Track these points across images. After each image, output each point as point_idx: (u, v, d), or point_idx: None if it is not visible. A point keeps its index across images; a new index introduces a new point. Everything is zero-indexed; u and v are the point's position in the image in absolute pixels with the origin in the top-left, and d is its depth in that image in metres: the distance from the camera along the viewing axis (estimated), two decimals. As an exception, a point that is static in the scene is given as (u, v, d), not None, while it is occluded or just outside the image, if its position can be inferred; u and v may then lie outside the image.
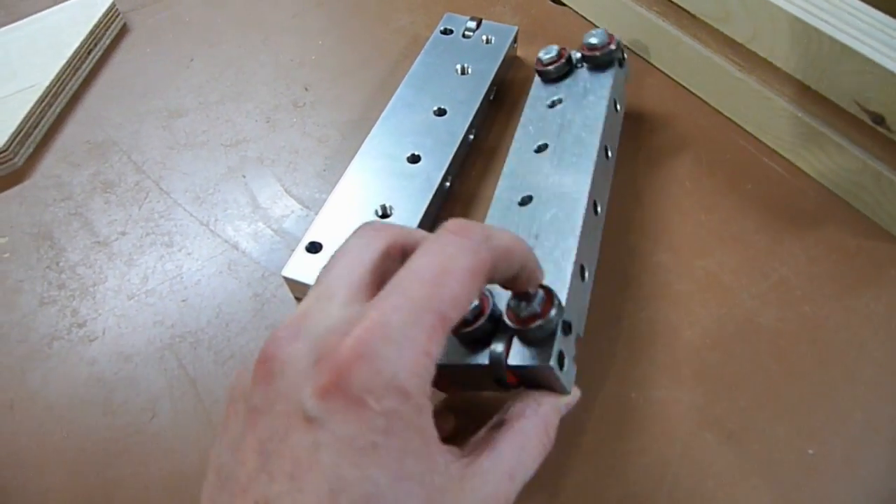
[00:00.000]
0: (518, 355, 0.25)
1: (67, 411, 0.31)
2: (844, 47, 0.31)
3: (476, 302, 0.25)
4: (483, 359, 0.25)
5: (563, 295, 0.27)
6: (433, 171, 0.35)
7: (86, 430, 0.30)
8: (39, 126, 0.42)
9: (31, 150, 0.42)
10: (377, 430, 0.17)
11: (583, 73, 0.38)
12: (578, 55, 0.38)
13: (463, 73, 0.40)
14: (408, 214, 0.34)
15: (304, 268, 0.32)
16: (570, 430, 0.29)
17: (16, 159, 0.41)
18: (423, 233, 0.23)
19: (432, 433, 0.19)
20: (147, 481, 0.29)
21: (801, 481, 0.27)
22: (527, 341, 0.25)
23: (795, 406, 0.29)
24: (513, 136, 0.39)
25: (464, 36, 0.42)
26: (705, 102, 0.41)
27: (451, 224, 0.21)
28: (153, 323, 0.34)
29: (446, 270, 0.19)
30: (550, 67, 0.38)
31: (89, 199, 0.39)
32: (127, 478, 0.29)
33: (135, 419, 0.31)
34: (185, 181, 0.39)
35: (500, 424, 0.23)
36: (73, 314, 0.34)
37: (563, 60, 0.38)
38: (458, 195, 0.38)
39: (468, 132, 0.38)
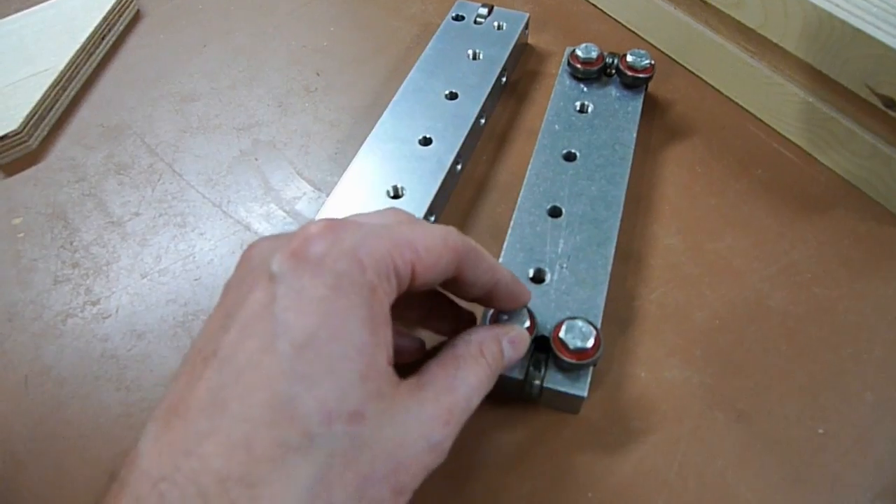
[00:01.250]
0: (553, 379, 0.27)
1: (81, 387, 0.31)
2: (856, 31, 0.31)
3: (528, 322, 0.27)
4: (519, 374, 0.27)
5: (598, 324, 0.29)
6: (444, 154, 0.36)
7: (99, 405, 0.31)
8: (54, 109, 0.43)
9: (45, 132, 0.42)
10: (326, 286, 0.19)
11: (614, 84, 0.39)
12: (612, 61, 0.38)
13: (474, 58, 0.41)
14: (419, 196, 0.34)
15: None
16: (583, 409, 0.29)
17: (30, 141, 0.41)
18: None
19: (382, 321, 0.20)
20: (160, 454, 0.29)
21: (811, 460, 0.27)
22: (560, 366, 0.27)
23: (805, 386, 0.29)
24: (524, 122, 0.39)
25: (475, 22, 0.43)
26: (716, 89, 0.41)
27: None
28: (166, 301, 0.34)
29: (427, 231, 0.22)
30: (585, 68, 0.38)
31: (103, 181, 0.39)
32: (140, 451, 0.29)
33: (147, 394, 0.31)
34: (197, 164, 0.40)
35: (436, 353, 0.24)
36: (87, 292, 0.34)
37: (599, 65, 0.38)
38: (469, 178, 0.38)
39: (479, 116, 0.38)
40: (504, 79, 0.41)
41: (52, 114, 0.43)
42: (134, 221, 0.37)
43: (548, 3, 0.48)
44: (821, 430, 0.28)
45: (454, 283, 0.23)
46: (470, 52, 0.41)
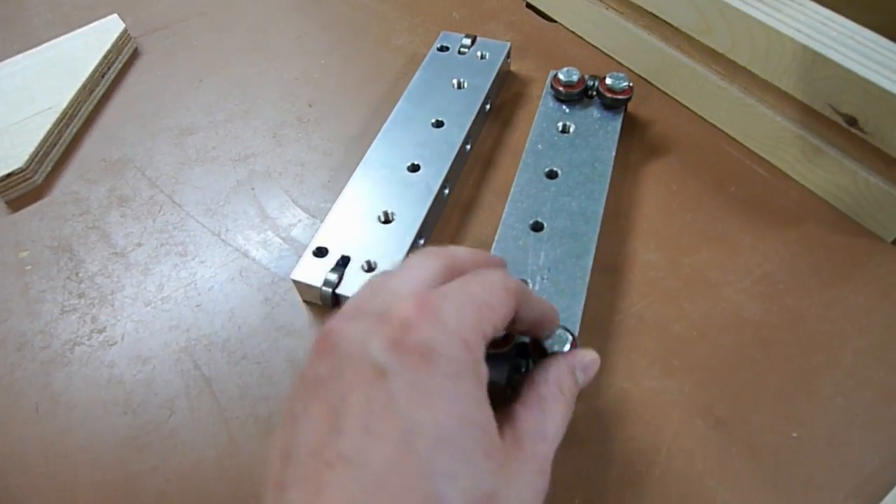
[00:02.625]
0: None
1: (90, 412, 0.33)
2: (816, 54, 0.33)
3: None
4: (500, 378, 0.28)
5: (576, 331, 0.30)
6: (432, 179, 0.37)
7: (107, 429, 0.32)
8: (57, 146, 0.45)
9: (49, 168, 0.44)
10: (446, 376, 0.19)
11: (595, 105, 0.41)
12: (592, 83, 0.40)
13: (459, 87, 0.42)
14: (409, 220, 0.36)
15: (311, 271, 0.34)
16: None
17: (35, 177, 0.43)
18: (476, 258, 0.25)
19: (486, 391, 0.20)
20: (167, 474, 0.30)
21: (786, 463, 0.29)
22: None
23: (780, 393, 0.31)
24: (508, 145, 0.41)
25: (459, 52, 0.45)
26: (690, 110, 0.43)
27: (491, 260, 0.25)
28: (169, 327, 0.35)
29: (492, 283, 0.22)
30: (567, 90, 0.40)
31: (106, 213, 0.41)
32: (147, 472, 0.30)
33: (154, 417, 0.32)
34: (196, 194, 0.41)
35: (518, 393, 0.24)
36: (93, 321, 0.36)
37: (580, 87, 0.40)
38: (456, 202, 0.40)
39: (465, 142, 0.40)
40: (488, 105, 0.43)
41: (55, 150, 0.44)
42: (136, 252, 0.39)
43: (528, 30, 0.50)
44: (795, 434, 0.30)
45: None
46: (455, 81, 0.43)
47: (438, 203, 0.38)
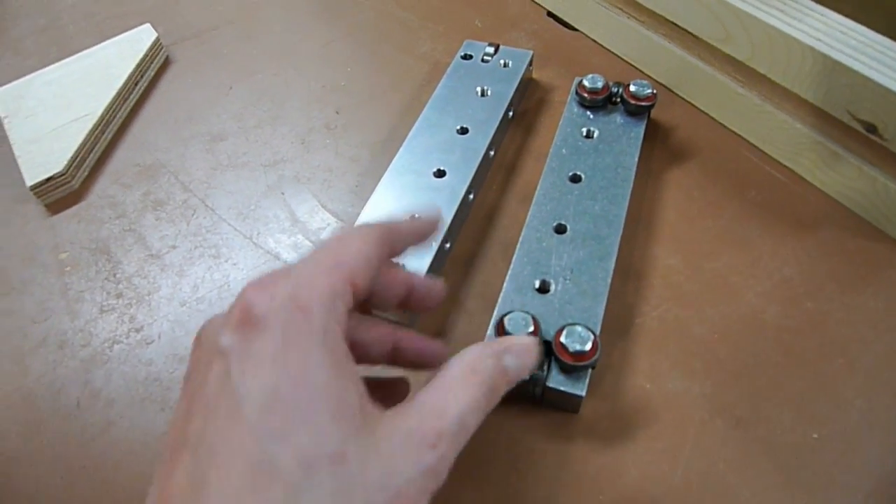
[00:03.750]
0: (554, 379, 0.30)
1: (128, 408, 0.34)
2: (837, 63, 0.34)
3: (531, 328, 0.30)
4: None
5: (597, 331, 0.31)
6: (458, 185, 0.38)
7: (146, 425, 0.33)
8: (93, 151, 0.46)
9: (86, 173, 0.45)
10: (276, 341, 0.19)
11: (619, 111, 0.42)
12: (617, 90, 0.41)
13: (483, 94, 0.44)
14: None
15: None
16: (589, 418, 0.31)
17: (73, 182, 0.44)
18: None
19: (342, 356, 0.20)
20: (204, 468, 0.31)
21: (806, 463, 0.29)
22: (562, 369, 0.30)
23: (800, 395, 0.31)
24: (531, 151, 0.42)
25: (483, 61, 0.46)
26: (710, 116, 0.44)
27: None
28: (204, 327, 0.37)
29: (340, 237, 0.22)
30: (591, 97, 0.41)
31: (141, 217, 0.42)
32: (184, 466, 0.32)
33: (190, 414, 0.33)
34: (228, 199, 0.43)
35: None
36: (131, 320, 0.37)
37: (604, 94, 0.41)
38: (480, 207, 0.41)
39: (489, 149, 0.41)
40: (511, 112, 0.44)
41: (92, 155, 0.46)
42: (171, 254, 0.40)
43: (550, 39, 0.51)
44: (815, 436, 0.30)
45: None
46: (478, 88, 0.44)
47: (464, 208, 0.39)
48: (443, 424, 0.20)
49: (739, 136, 0.43)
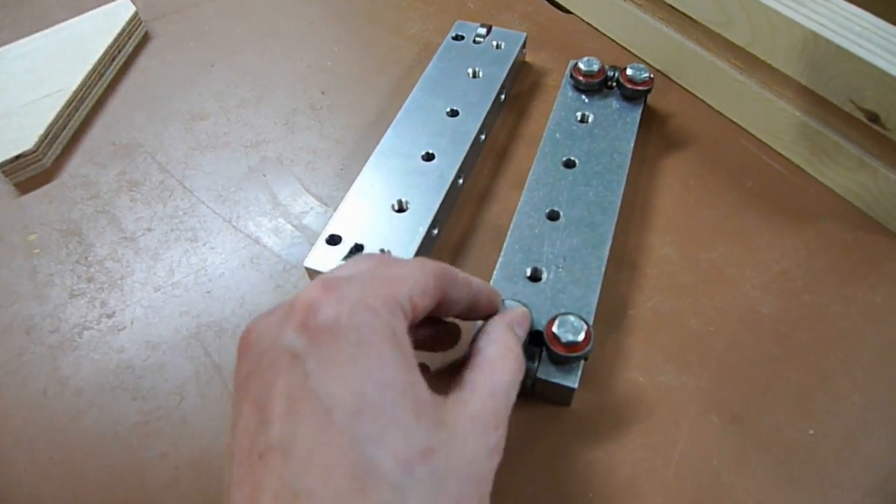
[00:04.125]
0: (545, 371, 0.29)
1: (98, 397, 0.32)
2: (840, 49, 0.33)
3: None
4: None
5: (590, 319, 0.30)
6: (447, 169, 0.37)
7: (116, 415, 0.32)
8: (66, 129, 0.44)
9: (58, 151, 0.43)
10: (352, 343, 0.19)
11: (614, 96, 0.40)
12: (613, 74, 0.40)
13: (474, 76, 0.42)
14: (423, 209, 0.35)
15: (325, 259, 0.34)
16: (582, 411, 0.30)
17: (44, 160, 0.42)
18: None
19: (409, 354, 0.20)
20: (176, 461, 0.30)
21: (802, 460, 0.28)
22: (554, 360, 0.29)
23: (796, 389, 0.30)
24: (523, 136, 0.40)
25: (474, 42, 0.44)
26: (708, 104, 0.43)
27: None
28: (179, 313, 0.35)
29: (403, 261, 0.23)
30: (587, 80, 0.40)
31: (116, 198, 0.41)
32: (156, 458, 0.30)
33: (163, 403, 0.32)
34: (207, 180, 0.41)
35: (465, 363, 0.24)
36: (102, 305, 0.36)
37: (600, 77, 0.40)
38: (470, 192, 0.39)
39: (480, 132, 0.39)
40: (503, 96, 0.43)
41: (65, 133, 0.44)
42: (146, 237, 0.38)
43: (544, 22, 0.49)
44: (811, 431, 0.29)
45: (438, 305, 0.24)
46: (470, 70, 0.42)
47: (453, 192, 0.37)
48: (497, 404, 0.22)
49: (738, 124, 0.42)
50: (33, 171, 0.42)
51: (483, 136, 0.41)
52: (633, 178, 0.39)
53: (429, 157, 0.38)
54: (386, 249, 0.34)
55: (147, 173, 0.42)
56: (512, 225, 0.34)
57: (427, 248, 0.35)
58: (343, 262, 0.25)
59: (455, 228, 0.37)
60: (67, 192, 0.41)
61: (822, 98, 0.36)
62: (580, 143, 0.38)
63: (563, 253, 0.33)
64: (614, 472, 0.28)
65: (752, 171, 0.39)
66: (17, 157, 0.41)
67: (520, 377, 0.24)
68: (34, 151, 0.42)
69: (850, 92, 0.34)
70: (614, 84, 0.40)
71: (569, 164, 0.37)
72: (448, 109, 0.40)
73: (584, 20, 0.49)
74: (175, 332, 0.34)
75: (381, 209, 0.36)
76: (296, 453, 0.18)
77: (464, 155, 0.38)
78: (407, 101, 0.41)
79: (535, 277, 0.32)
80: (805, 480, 0.28)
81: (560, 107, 0.40)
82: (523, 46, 0.44)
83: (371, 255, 0.24)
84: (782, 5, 0.35)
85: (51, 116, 0.43)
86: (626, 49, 0.47)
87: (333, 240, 0.34)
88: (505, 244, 0.34)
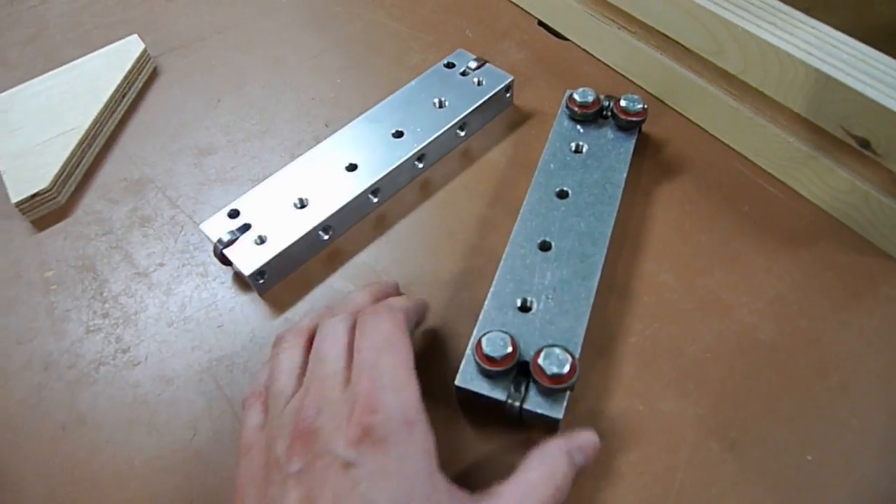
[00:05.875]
0: (533, 401, 0.30)
1: (115, 432, 0.34)
2: (829, 78, 0.34)
3: (510, 349, 0.30)
4: (501, 395, 0.30)
5: (577, 355, 0.31)
6: (362, 181, 0.39)
7: (132, 449, 0.33)
8: (80, 166, 0.46)
9: (72, 188, 0.45)
10: (395, 459, 0.24)
11: (609, 126, 0.41)
12: (608, 104, 0.41)
13: (440, 106, 0.43)
14: (320, 210, 0.38)
15: (217, 227, 0.38)
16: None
17: (59, 197, 0.44)
18: (369, 299, 0.32)
19: (433, 455, 0.25)
20: (191, 495, 0.31)
21: (801, 485, 0.29)
22: (541, 391, 0.30)
23: (794, 415, 0.31)
24: (521, 164, 0.41)
25: (463, 73, 0.45)
26: (703, 129, 0.44)
27: (369, 308, 0.29)
28: (192, 348, 0.36)
29: (389, 334, 0.27)
30: (582, 111, 0.41)
31: (128, 234, 0.42)
32: (171, 491, 0.31)
33: (177, 437, 0.33)
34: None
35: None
36: (118, 341, 0.37)
37: (595, 108, 0.41)
38: (385, 210, 0.42)
39: (416, 158, 0.41)
40: (462, 131, 0.44)
41: (78, 170, 0.45)
42: (159, 272, 0.40)
43: (541, 49, 0.50)
44: (809, 457, 0.30)
45: None
46: (436, 99, 0.43)
47: (361, 205, 0.40)
48: None
49: (732, 148, 0.42)
50: (48, 208, 0.44)
51: (420, 164, 0.42)
52: (629, 205, 0.39)
53: (352, 167, 0.40)
54: (264, 236, 0.37)
55: (158, 209, 0.43)
56: (504, 255, 0.35)
57: (314, 247, 0.39)
58: (336, 319, 0.29)
59: (453, 255, 0.38)
60: (82, 229, 0.42)
61: (813, 124, 0.36)
62: (573, 174, 0.39)
63: (553, 284, 0.34)
64: (615, 500, 0.29)
65: (747, 195, 0.40)
66: (34, 195, 0.42)
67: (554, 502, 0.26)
68: (49, 190, 0.43)
69: (841, 119, 0.35)
70: (609, 114, 0.41)
71: (562, 195, 0.38)
72: (394, 130, 0.42)
73: (580, 47, 0.50)
74: (188, 366, 0.35)
75: (285, 203, 0.39)
76: None
77: (385, 173, 0.40)
78: (363, 115, 0.43)
79: (524, 308, 0.33)
80: (802, 506, 0.29)
81: (555, 137, 0.41)
82: (507, 89, 0.45)
83: (351, 311, 0.30)
84: (772, 35, 0.36)
85: (65, 155, 0.44)
86: (621, 75, 0.48)
87: (232, 214, 0.38)
88: (497, 274, 0.34)
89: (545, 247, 0.36)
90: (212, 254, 0.38)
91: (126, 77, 0.50)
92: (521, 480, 0.26)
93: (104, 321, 0.38)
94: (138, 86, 0.51)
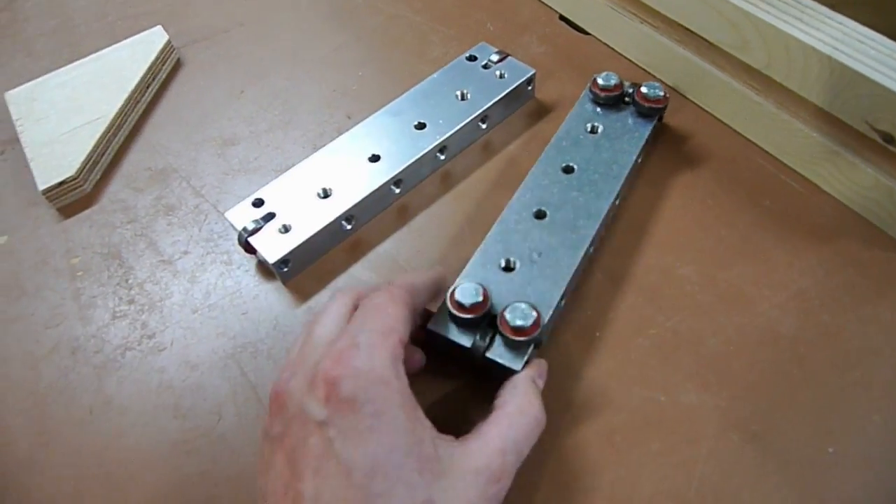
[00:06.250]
0: (496, 352, 0.31)
1: (141, 416, 0.34)
2: (855, 73, 0.34)
3: (480, 298, 0.31)
4: (466, 342, 0.31)
5: (547, 315, 0.32)
6: (385, 172, 0.40)
7: (158, 433, 0.33)
8: (105, 155, 0.46)
9: (98, 176, 0.45)
10: (369, 415, 0.23)
11: (629, 111, 0.41)
12: (631, 90, 0.41)
13: (462, 98, 0.43)
14: (343, 200, 0.39)
15: (242, 216, 0.38)
16: (604, 430, 0.31)
17: (85, 185, 0.44)
18: (369, 289, 0.31)
19: (416, 411, 0.25)
20: (216, 478, 0.31)
21: (822, 478, 0.29)
22: (505, 342, 0.31)
23: (815, 408, 0.31)
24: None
25: (485, 66, 0.45)
26: (725, 124, 0.44)
27: (375, 285, 0.30)
28: (216, 334, 0.37)
29: (379, 305, 0.27)
30: (605, 94, 0.41)
31: (153, 222, 0.42)
32: (196, 475, 0.32)
33: (202, 422, 0.33)
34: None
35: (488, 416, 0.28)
36: (143, 327, 0.37)
37: (617, 92, 0.41)
38: (407, 201, 0.42)
39: (438, 150, 0.41)
40: (484, 124, 0.44)
41: (104, 159, 0.46)
42: (183, 260, 0.40)
43: (562, 43, 0.50)
44: (831, 450, 0.30)
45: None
46: (459, 92, 0.43)
47: (383, 195, 0.40)
48: (505, 459, 0.25)
49: (754, 143, 0.42)
50: (75, 196, 0.44)
51: (442, 155, 0.42)
52: (653, 198, 0.40)
53: (375, 158, 0.40)
54: (289, 225, 0.37)
55: (182, 197, 0.43)
56: (499, 218, 0.36)
57: (337, 237, 0.39)
58: (335, 301, 0.29)
59: (474, 246, 0.39)
60: (107, 217, 0.43)
61: (837, 119, 0.36)
62: (583, 152, 0.39)
63: (540, 249, 0.34)
64: (636, 489, 0.29)
65: (769, 189, 0.40)
66: (61, 183, 0.43)
67: (537, 431, 0.27)
68: (76, 178, 0.44)
69: (866, 114, 0.34)
70: (630, 100, 0.41)
71: (567, 170, 0.38)
72: (416, 122, 0.42)
73: (601, 41, 0.50)
74: (213, 352, 0.36)
75: (308, 193, 0.39)
76: (321, 502, 0.23)
77: (408, 164, 0.40)
78: (386, 107, 0.43)
79: (507, 268, 0.34)
80: (824, 499, 0.29)
81: (573, 117, 0.41)
82: (529, 82, 0.45)
83: (351, 293, 0.30)
84: (798, 30, 0.36)
85: (91, 143, 0.45)
86: (643, 69, 0.48)
87: (256, 203, 0.39)
88: (488, 235, 0.35)
89: (540, 215, 0.36)
90: (236, 242, 0.38)
91: (150, 68, 0.50)
92: (502, 416, 0.27)
93: (130, 307, 0.38)
94: (162, 76, 0.52)
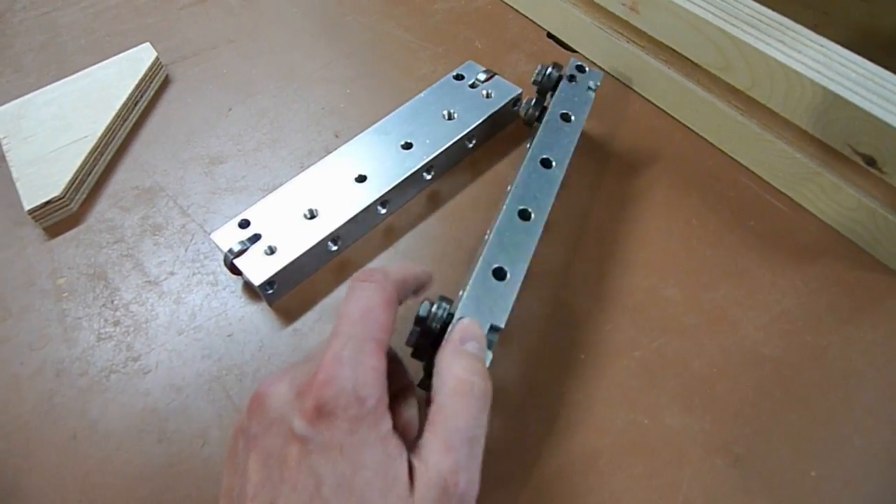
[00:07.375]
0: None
1: (125, 440, 0.34)
2: (836, 96, 0.34)
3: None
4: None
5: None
6: (371, 193, 0.40)
7: (143, 457, 0.33)
8: (92, 174, 0.46)
9: (84, 195, 0.45)
10: (344, 433, 0.24)
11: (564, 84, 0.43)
12: (555, 71, 0.43)
13: (449, 118, 0.43)
14: (329, 221, 0.39)
15: (228, 237, 0.38)
16: (588, 454, 0.31)
17: (71, 205, 0.44)
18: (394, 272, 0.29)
19: (387, 427, 0.25)
20: (200, 503, 0.31)
21: (805, 502, 0.29)
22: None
23: (798, 431, 0.31)
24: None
25: (472, 85, 0.45)
26: (710, 143, 0.44)
27: (359, 274, 0.28)
28: (201, 357, 0.36)
29: (367, 308, 0.26)
30: (544, 82, 0.42)
31: (139, 242, 0.42)
32: (181, 500, 0.32)
33: (187, 446, 0.33)
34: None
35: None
36: (129, 349, 0.37)
37: (547, 73, 0.42)
38: (393, 221, 0.42)
39: (424, 170, 0.42)
40: (471, 143, 0.44)
41: (90, 178, 0.46)
42: (169, 280, 0.40)
43: (549, 60, 0.50)
44: (813, 473, 0.30)
45: None
46: (446, 112, 0.44)
47: (369, 216, 0.40)
48: (456, 455, 0.25)
49: (739, 163, 0.43)
50: (61, 215, 0.44)
51: (428, 175, 0.42)
52: (638, 219, 0.40)
53: (361, 178, 0.40)
54: (274, 246, 0.37)
55: (169, 217, 0.43)
56: (495, 226, 0.35)
57: (323, 258, 0.39)
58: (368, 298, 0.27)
59: (461, 267, 0.39)
60: (94, 237, 0.43)
61: (821, 141, 0.37)
62: (560, 141, 0.39)
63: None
64: (620, 514, 0.29)
65: (753, 209, 0.40)
66: (47, 203, 0.43)
67: (482, 405, 0.26)
68: (62, 197, 0.43)
69: (847, 137, 0.35)
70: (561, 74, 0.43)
71: (546, 164, 0.38)
72: (404, 142, 0.42)
73: (588, 58, 0.50)
74: (198, 375, 0.36)
75: (294, 214, 0.39)
76: None
77: (394, 184, 0.40)
78: (372, 126, 0.43)
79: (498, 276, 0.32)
80: (806, 522, 0.29)
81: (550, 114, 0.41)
82: (515, 102, 0.45)
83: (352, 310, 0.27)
84: (780, 53, 0.36)
85: (77, 162, 0.45)
86: (630, 87, 0.48)
87: (242, 224, 0.39)
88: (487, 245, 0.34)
89: (524, 216, 0.35)
90: (222, 263, 0.38)
91: (138, 85, 0.50)
92: (436, 412, 0.26)
93: (115, 329, 0.38)
94: (150, 94, 0.52)
